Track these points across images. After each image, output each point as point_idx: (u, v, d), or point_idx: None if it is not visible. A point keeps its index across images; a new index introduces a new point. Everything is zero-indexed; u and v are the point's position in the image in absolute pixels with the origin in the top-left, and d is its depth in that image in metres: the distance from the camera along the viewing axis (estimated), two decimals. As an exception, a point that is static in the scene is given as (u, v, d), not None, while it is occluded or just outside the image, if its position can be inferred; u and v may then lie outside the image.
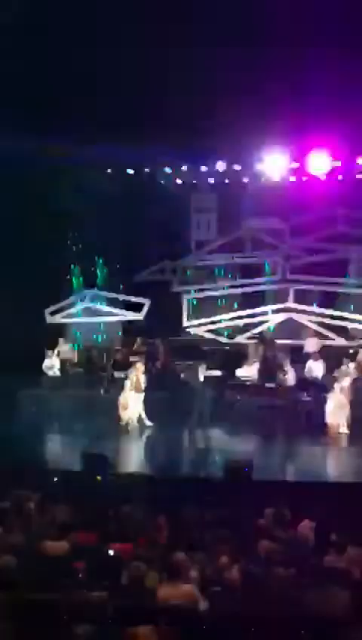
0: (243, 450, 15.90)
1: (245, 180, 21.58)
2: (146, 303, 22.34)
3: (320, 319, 21.60)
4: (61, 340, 21.56)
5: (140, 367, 18.10)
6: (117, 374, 20.48)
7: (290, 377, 18.31)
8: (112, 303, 23.00)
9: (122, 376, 20.34)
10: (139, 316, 22.38)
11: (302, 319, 21.72)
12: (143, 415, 17.60)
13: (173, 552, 8.43)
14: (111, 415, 18.05)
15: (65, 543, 8.78)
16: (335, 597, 7.52)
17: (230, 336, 22.38)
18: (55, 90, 17.97)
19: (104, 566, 8.35)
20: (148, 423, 17.56)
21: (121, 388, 17.93)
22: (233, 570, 7.96)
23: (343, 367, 17.83)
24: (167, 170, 20.75)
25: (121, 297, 23.02)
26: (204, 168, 20.47)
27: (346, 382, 17.18)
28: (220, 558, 8.22)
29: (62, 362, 20.81)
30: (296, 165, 20.02)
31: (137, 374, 17.81)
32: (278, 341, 20.84)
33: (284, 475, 14.70)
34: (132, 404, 17.52)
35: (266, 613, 7.43)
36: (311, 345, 20.25)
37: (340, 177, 20.86)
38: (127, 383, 17.70)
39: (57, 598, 7.50)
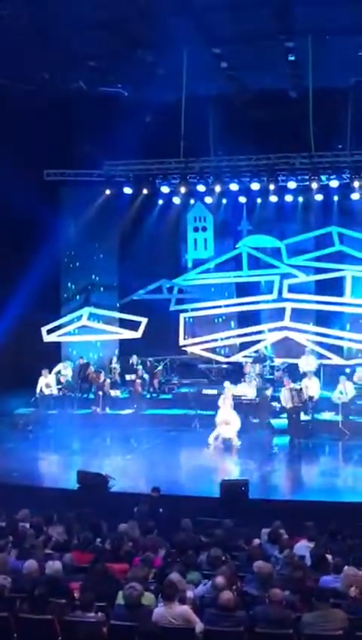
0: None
1: (242, 199, 21.65)
2: (143, 321, 22.36)
3: (316, 338, 21.68)
4: (66, 362, 21.62)
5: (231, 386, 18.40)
6: (113, 392, 20.48)
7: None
8: (109, 321, 23.01)
9: (118, 394, 20.44)
10: (136, 334, 22.40)
11: (299, 338, 21.79)
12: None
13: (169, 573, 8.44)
14: (108, 433, 18.07)
15: (59, 562, 8.74)
16: (332, 617, 7.50)
17: (227, 355, 22.44)
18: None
19: (100, 586, 8.31)
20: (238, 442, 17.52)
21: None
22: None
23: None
24: (165, 189, 20.80)
25: (118, 315, 23.04)
26: (202, 188, 20.51)
27: None
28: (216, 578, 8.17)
29: (58, 380, 20.78)
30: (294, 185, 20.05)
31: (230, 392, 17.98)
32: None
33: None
34: (234, 421, 17.51)
35: (262, 634, 7.42)
36: (306, 364, 20.24)
37: (336, 198, 20.91)
38: (225, 401, 17.69)
39: (52, 618, 7.48)
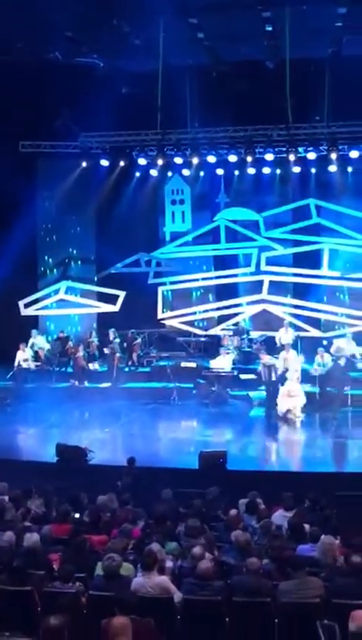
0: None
1: (220, 171, 21.58)
2: (121, 294, 22.32)
3: (293, 310, 21.77)
4: (34, 331, 21.48)
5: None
6: (91, 366, 20.49)
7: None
8: (87, 294, 22.94)
9: (96, 368, 20.43)
10: (114, 308, 22.36)
11: (276, 311, 21.86)
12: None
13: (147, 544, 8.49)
14: (86, 406, 18.09)
15: (37, 534, 8.77)
16: (308, 585, 7.59)
17: (205, 328, 22.50)
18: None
19: (79, 558, 8.36)
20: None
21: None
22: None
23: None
24: (143, 161, 20.66)
25: (96, 289, 22.97)
26: (179, 160, 20.40)
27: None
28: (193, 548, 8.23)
29: (36, 354, 20.74)
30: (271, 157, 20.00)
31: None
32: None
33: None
34: (298, 394, 17.49)
35: (240, 602, 7.49)
36: (284, 336, 20.30)
37: (313, 170, 20.89)
38: (293, 374, 17.64)
39: (31, 589, 7.51)
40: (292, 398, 17.36)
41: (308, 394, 18.28)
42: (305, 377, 18.87)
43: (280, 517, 10.11)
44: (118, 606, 6.58)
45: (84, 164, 21.15)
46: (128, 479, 12.20)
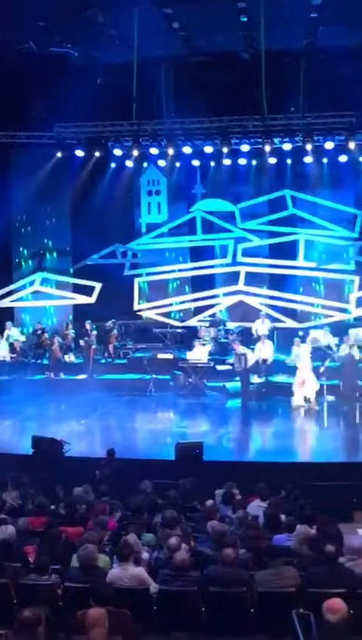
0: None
1: (196, 162, 21.55)
2: (97, 286, 22.26)
3: (270, 301, 21.83)
4: (9, 323, 21.37)
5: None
6: (67, 358, 20.43)
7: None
8: (62, 286, 22.85)
9: (72, 360, 20.39)
10: (90, 299, 22.30)
11: (253, 302, 21.92)
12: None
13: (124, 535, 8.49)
14: (62, 398, 18.04)
15: (12, 527, 8.73)
16: (284, 574, 7.63)
17: (181, 319, 22.51)
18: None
19: (55, 550, 8.34)
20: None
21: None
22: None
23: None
24: (118, 152, 20.57)
25: (72, 280, 22.88)
26: (155, 151, 20.34)
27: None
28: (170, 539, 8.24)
29: (11, 346, 20.64)
30: (247, 148, 19.99)
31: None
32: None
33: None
34: (310, 382, 17.45)
35: (216, 592, 7.51)
36: (260, 327, 20.37)
37: (289, 161, 20.91)
38: (307, 364, 17.57)
39: (7, 582, 7.49)
40: (306, 387, 17.39)
41: (284, 385, 18.41)
42: (281, 367, 18.99)
43: (256, 507, 10.16)
44: (94, 597, 6.58)
45: (58, 154, 21.02)
46: (107, 471, 12.19)
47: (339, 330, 19.79)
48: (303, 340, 19.14)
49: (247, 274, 22.20)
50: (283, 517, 9.37)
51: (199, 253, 22.83)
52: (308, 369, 17.54)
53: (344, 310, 21.55)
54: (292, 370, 18.36)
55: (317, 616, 6.11)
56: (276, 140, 19.74)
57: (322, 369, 17.83)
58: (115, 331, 21.38)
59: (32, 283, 22.66)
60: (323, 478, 12.11)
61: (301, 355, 17.79)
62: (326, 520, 9.05)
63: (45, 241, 23.15)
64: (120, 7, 16.07)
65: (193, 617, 7.48)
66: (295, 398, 17.36)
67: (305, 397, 17.27)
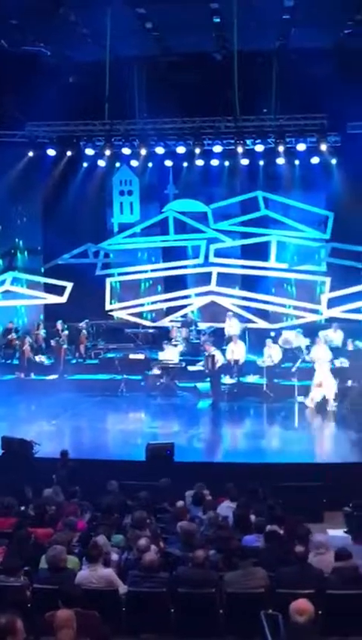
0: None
1: (168, 163, 21.55)
2: (68, 285, 22.18)
3: (242, 302, 21.88)
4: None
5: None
6: (37, 358, 20.32)
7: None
8: (33, 285, 22.72)
9: (43, 360, 20.29)
10: (61, 299, 22.21)
11: (225, 302, 21.96)
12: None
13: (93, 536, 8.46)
14: (33, 399, 17.95)
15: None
16: (253, 575, 7.65)
17: (153, 320, 22.50)
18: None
19: (23, 551, 8.29)
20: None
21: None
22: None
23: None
24: (90, 151, 20.49)
25: (43, 280, 22.77)
26: (127, 151, 20.29)
27: None
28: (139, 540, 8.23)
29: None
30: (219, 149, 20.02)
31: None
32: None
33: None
34: (328, 383, 17.38)
35: (185, 593, 7.51)
36: (231, 327, 20.41)
37: (261, 162, 20.97)
38: (325, 365, 17.54)
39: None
40: (323, 388, 17.39)
41: (255, 385, 18.48)
42: (253, 368, 19.04)
43: (226, 508, 10.17)
44: (63, 599, 6.54)
45: (30, 153, 20.87)
46: (63, 472, 12.15)
47: (311, 331, 19.86)
48: (274, 340, 19.24)
49: (219, 274, 22.25)
50: (253, 517, 9.39)
51: (171, 254, 22.84)
52: (326, 370, 17.53)
53: (315, 311, 21.64)
54: (262, 371, 18.45)
55: (286, 617, 6.12)
56: (248, 142, 19.79)
57: (294, 369, 17.87)
58: (85, 331, 21.30)
59: (2, 282, 22.47)
60: (293, 479, 12.14)
61: (319, 355, 17.80)
62: (296, 520, 9.10)
63: (16, 240, 22.98)
64: (93, 6, 15.99)
65: (162, 618, 7.48)
66: (310, 398, 17.37)
67: (324, 396, 17.29)
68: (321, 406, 17.19)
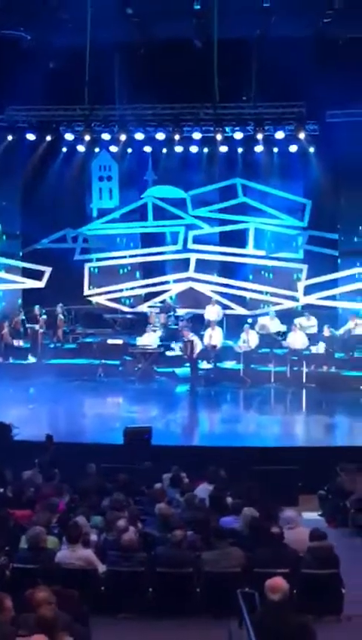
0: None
1: (148, 149, 21.58)
2: (47, 270, 22.19)
3: (220, 288, 22.03)
4: None
5: None
6: (15, 342, 20.33)
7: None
8: (11, 270, 22.69)
9: (20, 344, 20.30)
10: (39, 284, 22.22)
11: (203, 289, 22.09)
12: None
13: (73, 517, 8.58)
14: (10, 382, 18.00)
15: None
16: (230, 555, 7.81)
17: (131, 305, 22.58)
18: None
19: (3, 532, 8.40)
20: None
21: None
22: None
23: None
24: (70, 136, 20.47)
25: (21, 264, 22.75)
26: (107, 136, 20.30)
27: None
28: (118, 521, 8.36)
29: None
30: (198, 136, 20.08)
31: None
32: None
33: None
34: None
35: (163, 573, 7.66)
36: (211, 313, 20.57)
37: (240, 150, 21.06)
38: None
39: None
40: None
41: (232, 371, 18.65)
42: (230, 354, 19.22)
43: (204, 490, 10.32)
44: (42, 577, 6.66)
45: (9, 137, 20.78)
46: (46, 456, 12.24)
47: (288, 318, 20.05)
48: (252, 326, 19.43)
49: (198, 261, 22.38)
50: (229, 499, 9.56)
51: (150, 240, 22.91)
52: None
53: (292, 298, 21.84)
54: (240, 357, 18.62)
55: (262, 595, 6.28)
56: (227, 129, 19.84)
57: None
58: (62, 316, 21.32)
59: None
60: (269, 462, 12.31)
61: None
62: (271, 503, 9.27)
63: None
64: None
65: (140, 598, 7.63)
66: None
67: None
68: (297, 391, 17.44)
